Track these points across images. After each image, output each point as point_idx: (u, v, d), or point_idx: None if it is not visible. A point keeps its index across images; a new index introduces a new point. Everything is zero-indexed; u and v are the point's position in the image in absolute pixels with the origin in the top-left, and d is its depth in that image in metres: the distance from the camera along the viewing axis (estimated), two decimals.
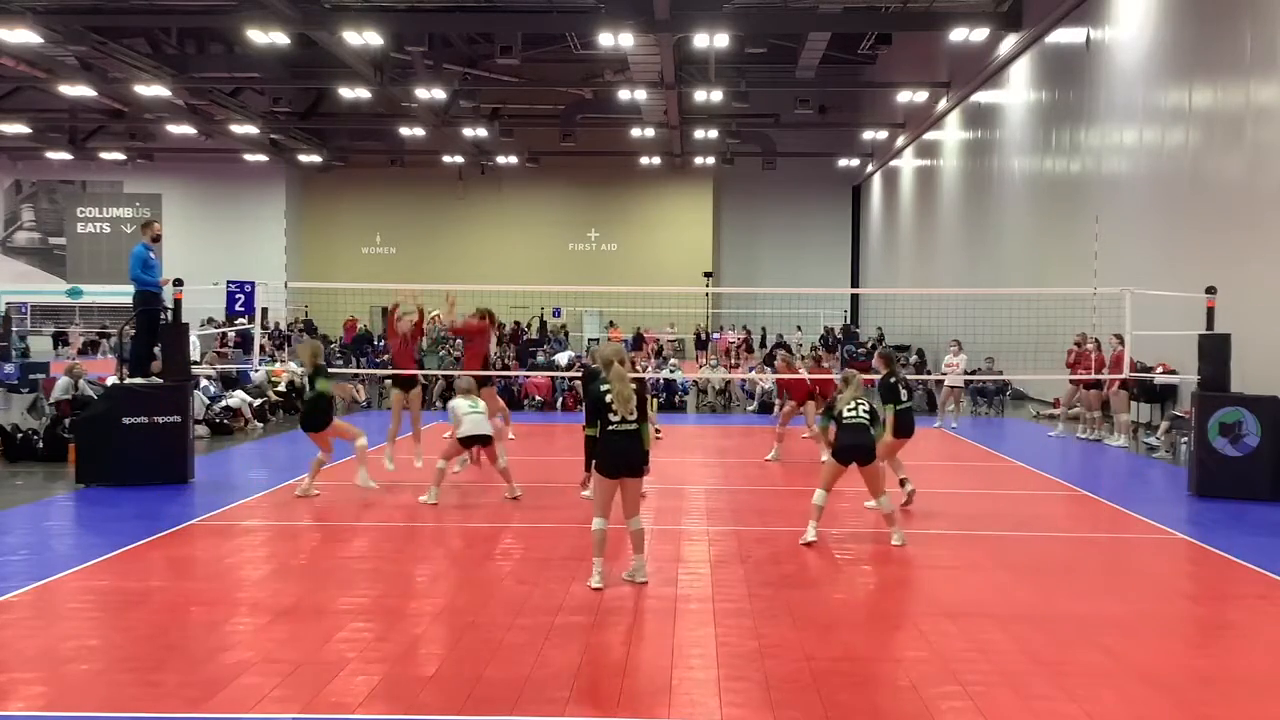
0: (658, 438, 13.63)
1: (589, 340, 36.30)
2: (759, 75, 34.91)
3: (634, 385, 8.26)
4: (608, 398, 8.06)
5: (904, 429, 11.10)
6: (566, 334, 37.91)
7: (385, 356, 28.49)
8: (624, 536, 8.52)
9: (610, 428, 8.06)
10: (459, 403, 11.65)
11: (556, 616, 7.35)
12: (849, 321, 44.93)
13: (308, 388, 12.68)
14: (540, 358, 28.03)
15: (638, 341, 33.34)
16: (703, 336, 37.23)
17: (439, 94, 33.39)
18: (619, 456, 8.07)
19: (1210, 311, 12.94)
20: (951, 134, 33.01)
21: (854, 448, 9.51)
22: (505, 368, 26.26)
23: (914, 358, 29.26)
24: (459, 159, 45.44)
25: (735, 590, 8.12)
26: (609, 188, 48.71)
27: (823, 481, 9.73)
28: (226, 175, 47.93)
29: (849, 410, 9.56)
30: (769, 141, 41.98)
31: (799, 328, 39.16)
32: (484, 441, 11.63)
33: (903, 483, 11.52)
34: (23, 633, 7.04)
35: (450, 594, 8.08)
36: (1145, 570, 9.18)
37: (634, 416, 8.10)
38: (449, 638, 6.96)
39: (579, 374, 15.25)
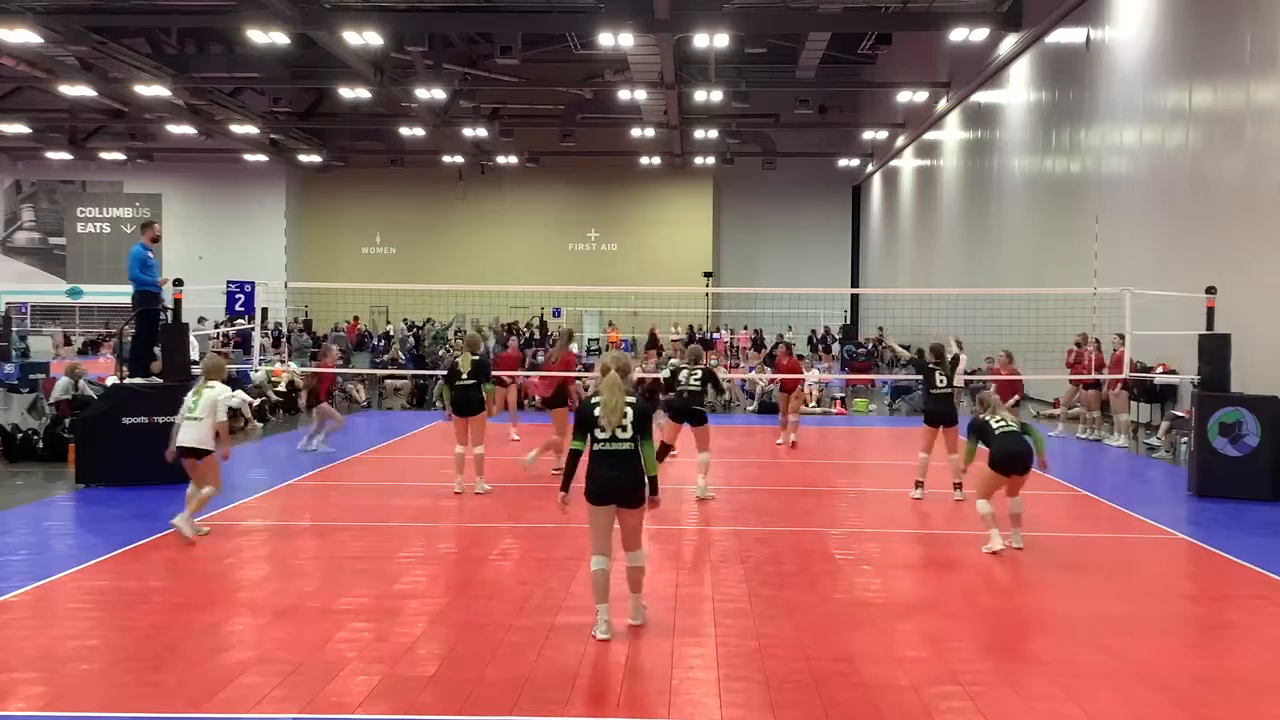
0: (673, 455, 12.86)
1: (589, 340, 36.29)
2: (759, 75, 34.92)
3: (634, 397, 7.01)
4: (596, 410, 6.91)
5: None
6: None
7: (385, 357, 28.54)
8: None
9: (597, 446, 6.90)
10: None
11: (556, 616, 7.35)
12: (847, 321, 44.94)
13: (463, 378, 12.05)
14: (540, 357, 28.00)
15: (651, 341, 33.23)
16: (698, 336, 37.10)
17: (439, 94, 33.39)
18: (607, 481, 6.86)
19: (1210, 311, 12.95)
20: (951, 134, 33.01)
21: (1013, 455, 9.21)
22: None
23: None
24: (459, 159, 45.43)
25: (735, 590, 8.11)
26: (609, 188, 48.69)
27: (983, 491, 9.42)
28: (226, 175, 47.91)
29: (997, 422, 9.39)
30: (769, 141, 41.99)
31: (790, 328, 39.18)
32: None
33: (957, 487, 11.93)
34: (23, 633, 7.04)
35: (450, 594, 8.08)
36: (1145, 570, 9.18)
37: (626, 434, 6.87)
38: (449, 638, 6.96)
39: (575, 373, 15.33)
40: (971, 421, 9.79)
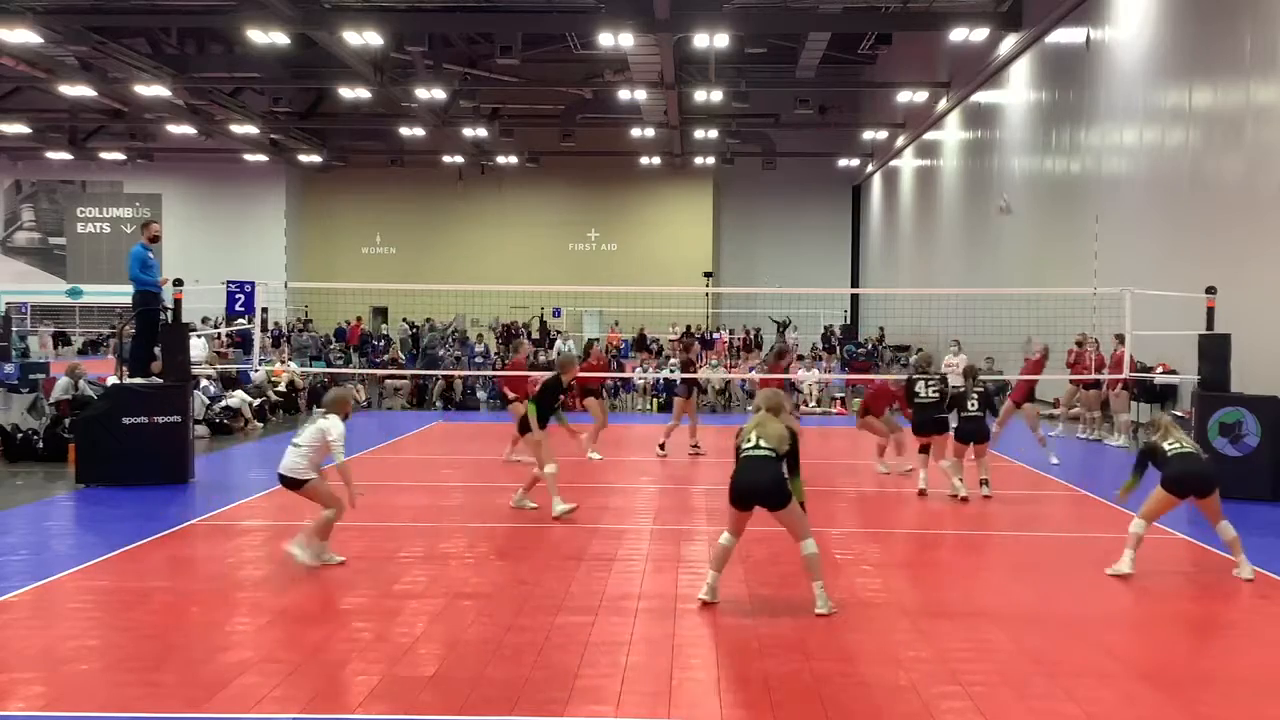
0: (660, 455, 13.18)
1: (589, 340, 36.27)
2: (759, 75, 34.91)
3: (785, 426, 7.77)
4: (744, 428, 7.84)
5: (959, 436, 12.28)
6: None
7: (385, 357, 28.56)
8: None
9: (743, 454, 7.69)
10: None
11: (556, 616, 7.35)
12: (847, 321, 44.91)
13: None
14: (541, 357, 28.00)
15: (640, 342, 33.24)
16: (701, 336, 37.09)
17: (439, 94, 33.38)
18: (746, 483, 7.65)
19: (1210, 311, 12.94)
20: (951, 134, 33.00)
21: (1188, 475, 8.68)
22: (505, 367, 26.28)
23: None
24: (459, 159, 45.43)
25: (735, 590, 8.11)
26: (609, 188, 48.67)
27: (1148, 512, 8.92)
28: (226, 175, 47.89)
29: (1170, 444, 8.82)
30: (769, 141, 41.96)
31: (795, 328, 39.06)
32: None
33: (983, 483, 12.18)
34: (23, 633, 7.04)
35: (450, 594, 8.07)
36: (1145, 570, 9.17)
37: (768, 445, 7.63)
38: (449, 638, 6.96)
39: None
40: (1143, 448, 9.19)
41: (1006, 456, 16.00)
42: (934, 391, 12.53)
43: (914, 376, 12.81)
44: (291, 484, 8.74)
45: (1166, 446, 8.79)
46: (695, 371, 17.98)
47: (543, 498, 11.02)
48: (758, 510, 7.69)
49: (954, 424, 12.47)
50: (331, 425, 8.68)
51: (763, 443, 7.62)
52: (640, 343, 33.21)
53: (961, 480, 11.99)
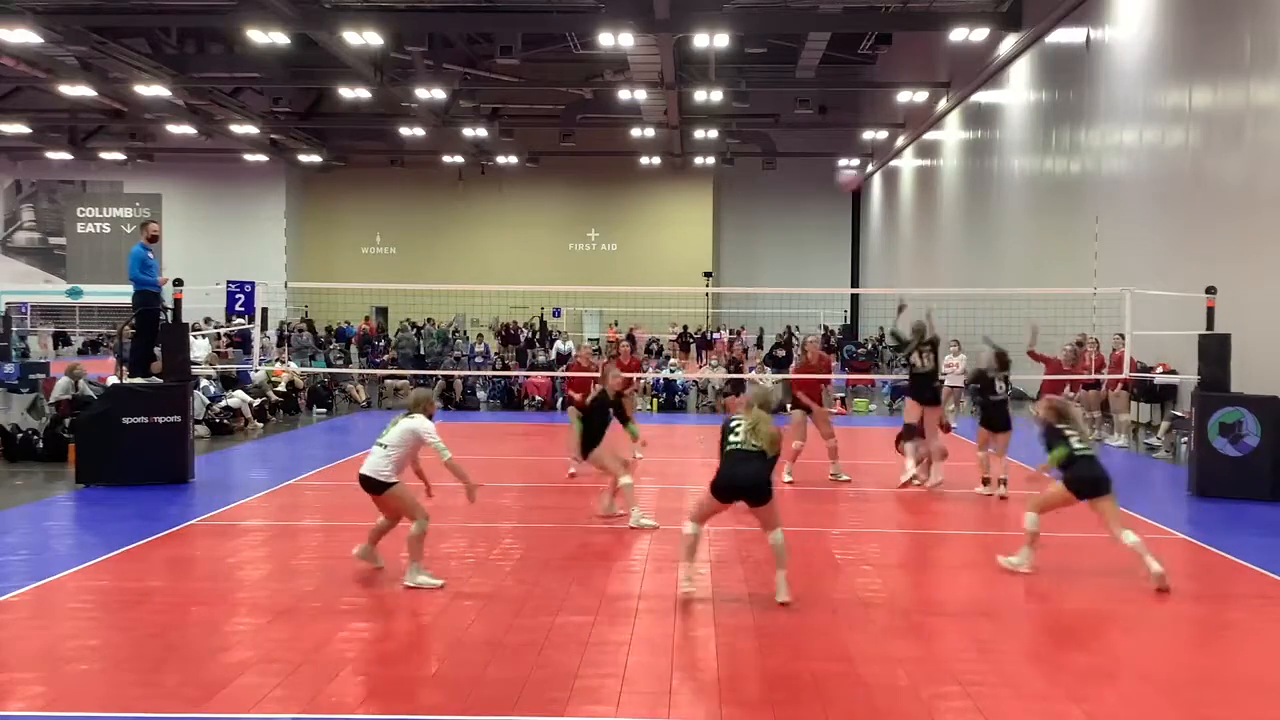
0: (637, 458, 12.78)
1: (588, 340, 36.28)
2: (759, 75, 34.89)
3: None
4: (732, 423, 7.93)
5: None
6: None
7: (386, 357, 28.56)
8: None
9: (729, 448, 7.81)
10: None
11: (556, 616, 7.35)
12: (847, 321, 44.93)
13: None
14: (541, 357, 28.04)
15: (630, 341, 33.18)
16: (697, 337, 37.07)
17: (439, 94, 33.38)
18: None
19: (1210, 311, 12.94)
20: (951, 134, 33.00)
21: (1090, 479, 8.54)
22: (505, 367, 26.30)
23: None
24: (459, 159, 45.43)
25: (735, 590, 8.12)
26: (609, 188, 48.67)
27: (1040, 506, 8.84)
28: (226, 175, 47.90)
29: (1078, 444, 8.66)
30: (769, 141, 41.96)
31: (761, 328, 39.09)
32: None
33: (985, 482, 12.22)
34: (23, 633, 7.04)
35: (450, 594, 8.06)
36: (1145, 570, 9.17)
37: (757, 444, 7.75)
38: (449, 638, 6.96)
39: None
40: (1046, 429, 8.97)
41: (1006, 457, 15.99)
42: (1004, 389, 12.56)
43: (990, 375, 12.56)
44: (374, 487, 8.16)
45: (1076, 446, 8.63)
46: (743, 371, 18.25)
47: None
48: (744, 509, 7.77)
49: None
50: (420, 424, 8.19)
51: (753, 441, 7.71)
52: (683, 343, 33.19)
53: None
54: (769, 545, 7.86)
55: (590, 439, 10.61)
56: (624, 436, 15.63)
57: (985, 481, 12.36)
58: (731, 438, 7.82)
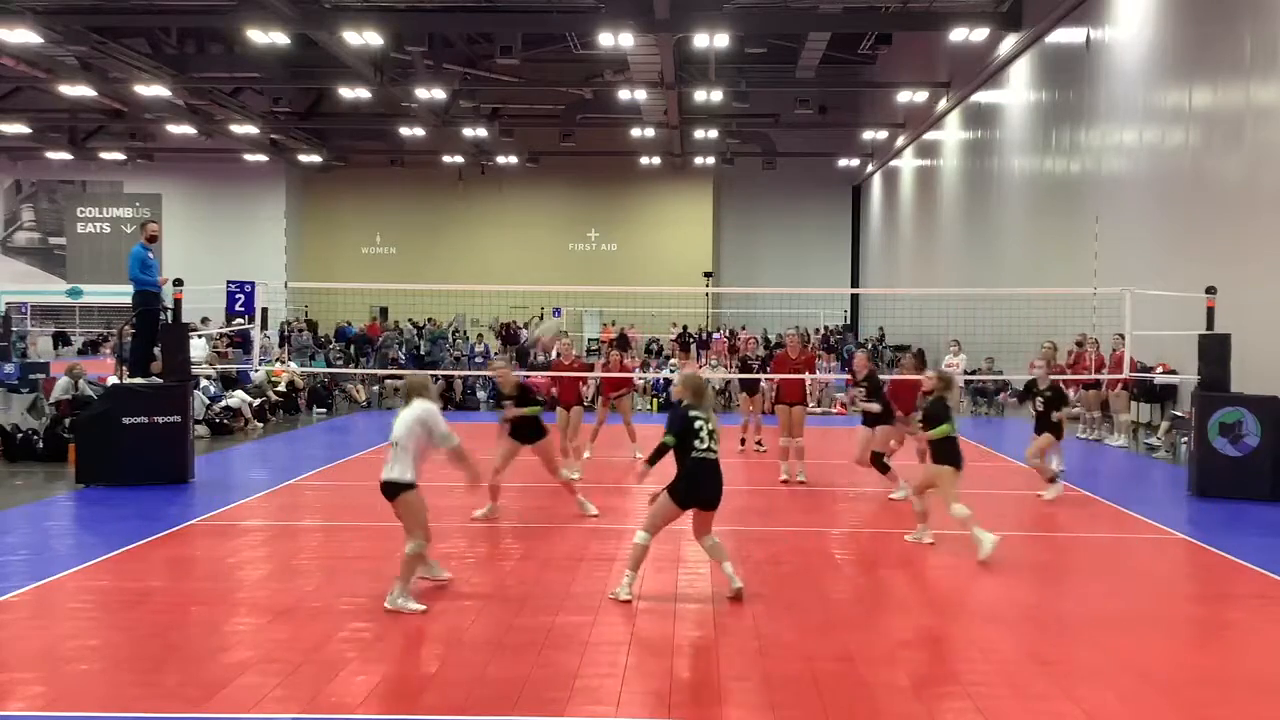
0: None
1: (588, 340, 36.26)
2: (759, 75, 34.88)
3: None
4: (696, 424, 7.70)
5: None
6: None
7: (372, 361, 28.58)
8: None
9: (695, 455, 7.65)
10: None
11: (556, 616, 7.35)
12: (847, 321, 44.89)
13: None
14: (541, 357, 27.99)
15: (623, 341, 33.17)
16: (694, 338, 36.99)
17: (439, 94, 33.36)
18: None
19: (1210, 311, 12.95)
20: (951, 134, 32.99)
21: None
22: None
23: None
24: (459, 159, 45.41)
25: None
26: (609, 188, 48.65)
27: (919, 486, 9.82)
28: (226, 175, 47.86)
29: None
30: (769, 141, 41.95)
31: (743, 326, 39.07)
32: None
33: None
34: (23, 633, 7.05)
35: (450, 594, 8.07)
36: (1145, 570, 9.18)
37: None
38: (449, 638, 6.96)
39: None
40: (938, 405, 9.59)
41: (1005, 456, 16.01)
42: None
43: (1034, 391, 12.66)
44: (389, 490, 7.60)
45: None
46: (754, 371, 18.58)
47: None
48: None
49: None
50: (424, 410, 7.67)
51: (714, 445, 7.74)
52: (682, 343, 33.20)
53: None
54: (705, 548, 8.00)
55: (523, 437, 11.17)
56: (624, 437, 15.69)
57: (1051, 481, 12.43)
58: (697, 443, 7.66)
